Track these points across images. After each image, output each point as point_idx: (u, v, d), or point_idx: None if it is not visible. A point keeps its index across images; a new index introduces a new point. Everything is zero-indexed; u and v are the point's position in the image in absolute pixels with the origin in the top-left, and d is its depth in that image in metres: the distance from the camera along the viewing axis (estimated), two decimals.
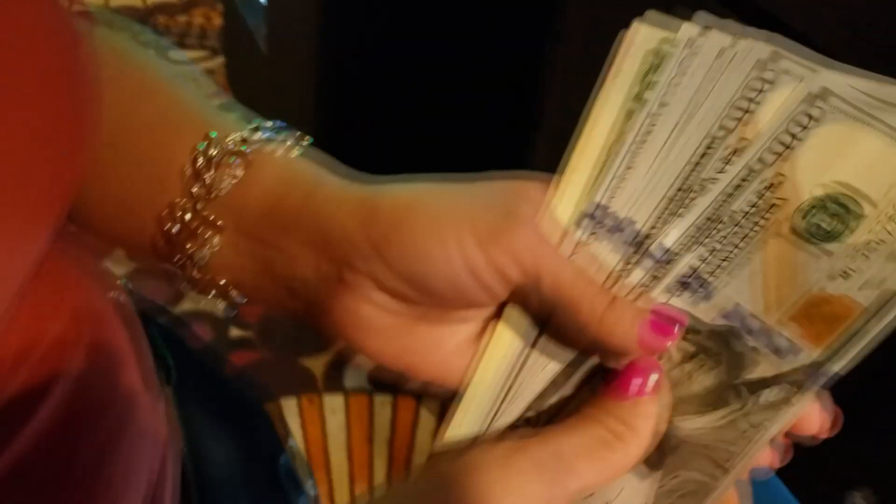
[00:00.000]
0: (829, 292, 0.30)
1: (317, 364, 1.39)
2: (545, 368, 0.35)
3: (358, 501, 1.01)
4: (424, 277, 0.33)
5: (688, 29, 0.32)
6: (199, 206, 0.37)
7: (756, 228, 0.31)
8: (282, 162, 0.37)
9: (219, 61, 2.05)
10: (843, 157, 0.30)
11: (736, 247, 0.32)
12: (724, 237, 0.32)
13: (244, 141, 0.37)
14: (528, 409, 0.35)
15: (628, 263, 0.33)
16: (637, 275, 0.33)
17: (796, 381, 0.32)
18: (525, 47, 1.11)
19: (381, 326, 0.35)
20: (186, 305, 1.46)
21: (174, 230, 0.37)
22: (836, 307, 0.30)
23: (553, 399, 0.35)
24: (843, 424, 0.33)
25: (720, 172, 0.32)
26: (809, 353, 0.31)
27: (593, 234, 0.33)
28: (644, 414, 0.32)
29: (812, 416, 0.33)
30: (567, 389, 0.35)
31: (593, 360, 0.35)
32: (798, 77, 0.30)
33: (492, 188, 0.34)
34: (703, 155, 0.32)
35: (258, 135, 0.38)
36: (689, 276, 0.32)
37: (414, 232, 0.32)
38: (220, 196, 0.36)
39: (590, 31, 0.66)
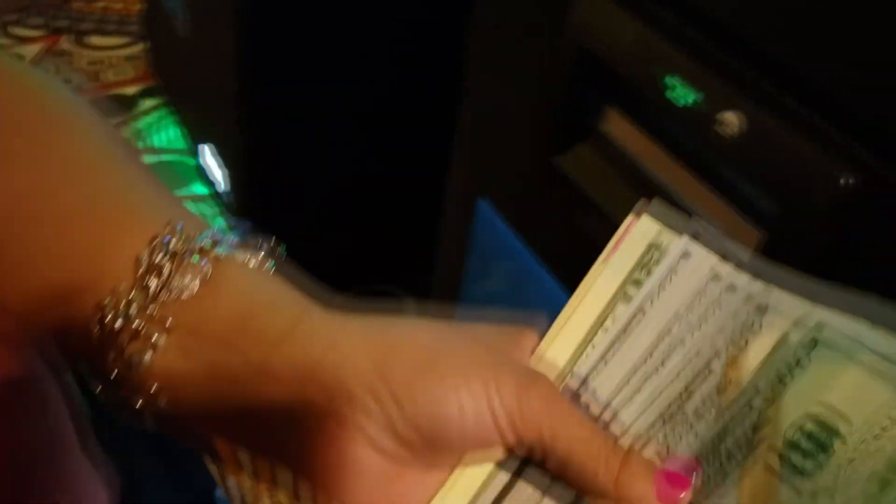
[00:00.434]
0: None
1: None
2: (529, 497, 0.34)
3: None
4: (442, 427, 0.31)
5: (682, 238, 0.33)
6: (146, 304, 0.32)
7: (736, 464, 0.31)
8: (257, 274, 0.34)
9: (140, 47, 2.01)
10: (826, 390, 0.30)
11: (714, 481, 0.32)
12: (708, 475, 0.32)
13: (214, 242, 0.34)
14: None
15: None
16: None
17: None
18: (444, 35, 1.11)
19: (372, 470, 0.32)
20: None
21: (115, 326, 0.32)
22: None
23: None
24: None
25: (707, 408, 0.32)
26: None
27: (578, 395, 0.34)
28: None
29: None
30: None
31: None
32: (790, 318, 0.31)
33: (498, 338, 0.34)
34: (689, 384, 0.32)
35: (229, 237, 0.34)
36: None
37: (443, 381, 0.31)
38: (178, 297, 0.33)
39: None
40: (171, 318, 0.32)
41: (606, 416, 0.33)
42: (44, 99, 0.37)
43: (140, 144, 1.78)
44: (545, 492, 0.34)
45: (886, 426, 0.29)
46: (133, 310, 0.32)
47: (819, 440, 0.30)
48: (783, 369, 0.31)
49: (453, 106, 0.77)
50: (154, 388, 0.33)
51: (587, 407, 0.33)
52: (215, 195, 1.53)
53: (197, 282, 0.33)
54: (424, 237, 1.07)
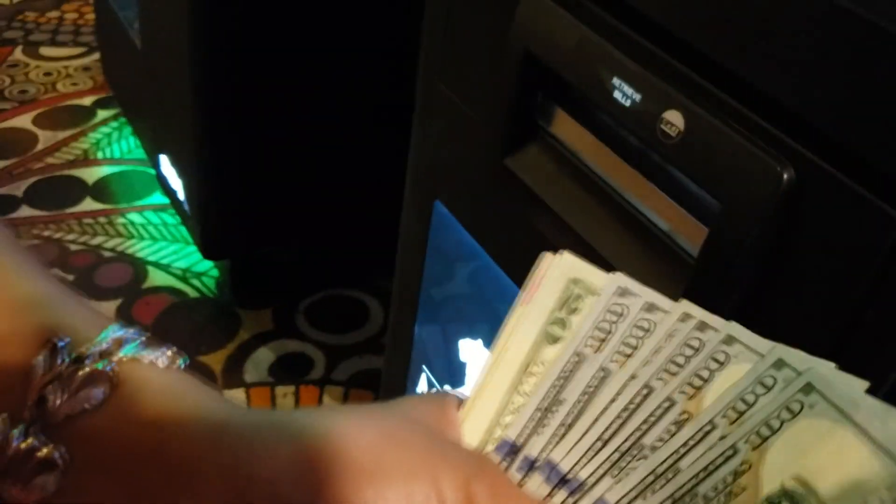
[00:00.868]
0: None
1: (214, 360, 1.38)
2: None
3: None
4: None
5: (614, 274, 0.32)
6: (47, 421, 0.28)
7: None
8: (168, 376, 0.30)
9: (95, 58, 1.99)
10: (814, 451, 0.28)
11: None
12: None
13: (104, 353, 0.29)
14: None
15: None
16: None
17: None
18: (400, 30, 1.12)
19: None
20: None
21: (9, 450, 0.27)
22: None
23: None
24: None
25: (682, 453, 0.30)
26: None
27: (505, 464, 0.32)
28: None
29: None
30: None
31: None
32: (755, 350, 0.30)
33: (428, 415, 0.32)
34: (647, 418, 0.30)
35: (124, 349, 0.29)
36: None
37: (392, 479, 0.29)
38: (68, 421, 0.28)
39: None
40: (76, 435, 0.28)
41: (553, 476, 0.32)
42: None
43: (98, 155, 1.76)
44: None
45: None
46: (31, 430, 0.27)
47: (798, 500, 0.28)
48: (772, 413, 0.29)
49: (411, 109, 0.77)
50: None
51: (523, 467, 0.32)
52: (175, 205, 1.52)
53: (91, 402, 0.28)
54: (386, 242, 1.07)
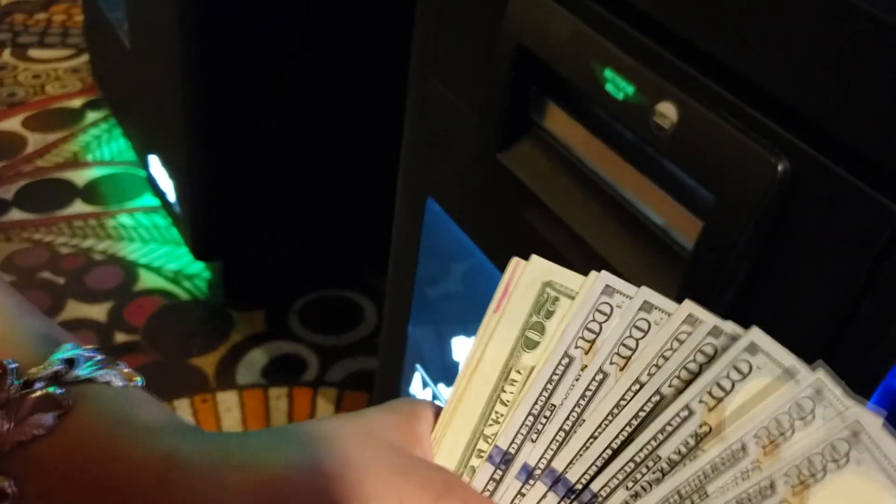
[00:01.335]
0: None
1: (207, 363, 1.37)
2: None
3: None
4: None
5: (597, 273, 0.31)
6: None
7: None
8: (117, 411, 0.28)
9: (84, 59, 1.98)
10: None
11: None
12: None
13: (56, 375, 0.28)
14: None
15: None
16: None
17: None
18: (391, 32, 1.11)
19: None
20: (66, 315, 1.41)
21: None
22: None
23: None
24: None
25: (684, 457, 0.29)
26: None
27: (496, 479, 0.31)
28: None
29: None
30: None
31: None
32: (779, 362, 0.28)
33: (397, 433, 0.31)
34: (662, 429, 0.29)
35: (76, 370, 0.28)
36: None
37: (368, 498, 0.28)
38: (19, 448, 0.27)
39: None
40: (26, 464, 0.27)
41: (560, 486, 0.31)
42: None
43: (88, 157, 1.75)
44: None
45: None
46: None
47: None
48: (812, 450, 0.27)
49: (402, 107, 0.77)
50: None
51: (520, 476, 0.31)
52: (165, 206, 1.51)
53: (41, 430, 0.27)
54: (379, 241, 1.06)
